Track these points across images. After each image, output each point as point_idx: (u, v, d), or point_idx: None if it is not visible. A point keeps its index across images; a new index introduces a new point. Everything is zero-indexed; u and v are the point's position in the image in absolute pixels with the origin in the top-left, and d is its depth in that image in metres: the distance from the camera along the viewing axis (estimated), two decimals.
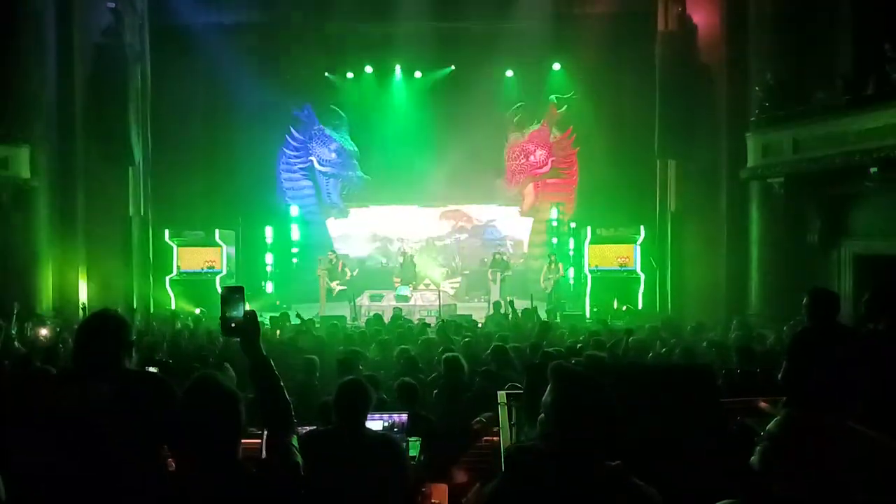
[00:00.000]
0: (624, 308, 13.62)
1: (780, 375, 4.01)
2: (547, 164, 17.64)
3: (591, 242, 14.91)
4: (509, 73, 17.07)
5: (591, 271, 14.75)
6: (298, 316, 10.81)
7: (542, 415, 2.04)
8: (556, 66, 16.88)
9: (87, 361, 2.59)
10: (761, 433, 1.85)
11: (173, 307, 13.99)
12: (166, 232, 14.86)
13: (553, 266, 14.79)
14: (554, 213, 16.63)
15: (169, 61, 14.82)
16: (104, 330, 2.64)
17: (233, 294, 2.36)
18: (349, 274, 15.47)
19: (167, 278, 14.73)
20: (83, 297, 12.92)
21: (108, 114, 13.47)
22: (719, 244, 13.20)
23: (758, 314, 11.45)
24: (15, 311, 8.88)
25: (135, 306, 13.37)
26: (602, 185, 15.67)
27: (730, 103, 12.87)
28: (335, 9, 14.84)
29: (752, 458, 1.77)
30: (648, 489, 1.94)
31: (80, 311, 11.75)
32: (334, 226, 18.51)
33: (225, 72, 15.32)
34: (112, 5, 13.56)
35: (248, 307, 2.40)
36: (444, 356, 6.45)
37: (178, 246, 14.96)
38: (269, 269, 16.17)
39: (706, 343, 7.93)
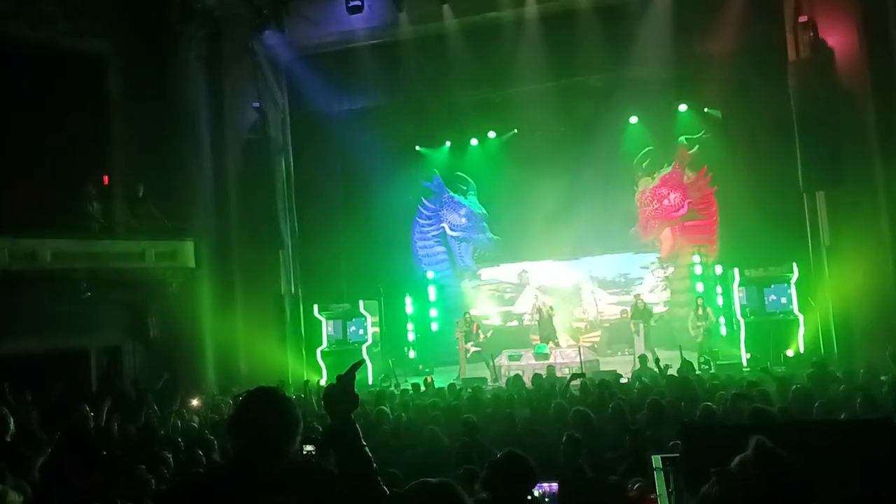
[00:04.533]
0: (789, 353, 12.64)
1: None
2: (683, 206, 17.06)
3: (739, 284, 14.08)
4: (633, 119, 16.85)
5: (743, 315, 13.87)
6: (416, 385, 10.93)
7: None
8: (683, 108, 16.46)
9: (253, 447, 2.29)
10: None
11: (324, 380, 14.65)
12: (315, 307, 15.73)
13: (701, 312, 14.08)
14: (696, 258, 15.93)
15: (309, 149, 16.04)
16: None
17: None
18: (482, 335, 15.58)
19: (318, 350, 15.49)
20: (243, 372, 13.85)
21: (258, 203, 14.68)
22: (886, 279, 12.04)
23: None
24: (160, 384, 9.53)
25: (290, 381, 14.13)
26: (746, 224, 14.82)
27: (880, 127, 11.92)
28: (456, 83, 15.47)
29: None
30: None
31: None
32: (468, 286, 18.84)
33: (358, 153, 16.34)
34: (257, 104, 14.94)
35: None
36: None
37: (327, 319, 15.77)
38: (410, 336, 16.67)
39: (885, 389, 7.20)
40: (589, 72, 15.42)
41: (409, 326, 16.84)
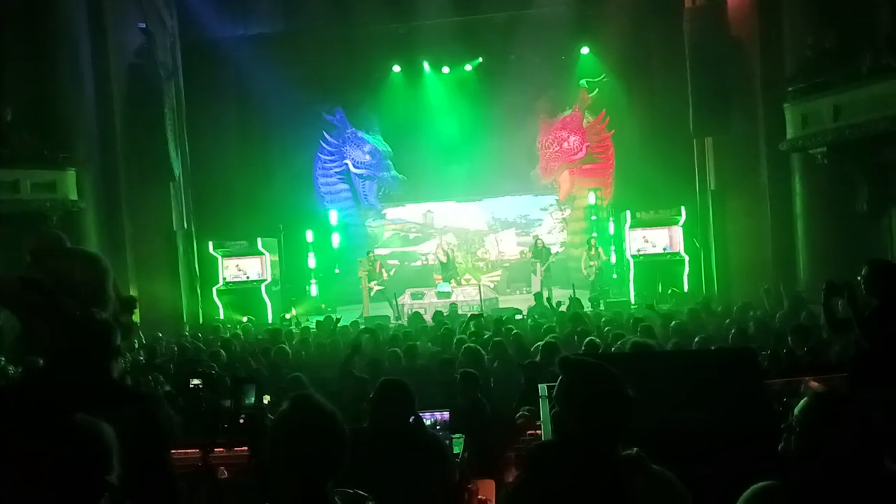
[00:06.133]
0: (669, 292, 13.41)
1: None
2: (581, 149, 17.45)
3: (631, 226, 14.71)
4: (536, 60, 16.91)
5: (633, 256, 14.54)
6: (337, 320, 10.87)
7: (556, 408, 2.03)
8: (585, 51, 16.65)
9: None
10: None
11: (221, 317, 14.31)
12: (210, 244, 15.18)
13: (594, 252, 14.63)
14: (592, 199, 16.44)
15: (201, 76, 15.14)
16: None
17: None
18: (385, 274, 15.60)
19: (213, 289, 15.04)
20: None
21: (146, 132, 13.82)
22: (763, 220, 12.88)
23: (807, 289, 11.14)
24: None
25: (184, 319, 13.71)
26: (639, 167, 15.40)
27: (764, 75, 12.53)
28: (358, 11, 14.95)
29: (780, 444, 1.74)
30: (666, 473, 1.91)
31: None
32: (373, 226, 18.71)
33: (255, 83, 15.62)
34: (143, 26, 13.89)
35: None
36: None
37: (223, 257, 15.27)
38: (312, 267, 16.37)
39: (752, 323, 7.75)
40: (493, 8, 15.29)
41: (311, 260, 16.49)
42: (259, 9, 14.99)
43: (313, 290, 16.37)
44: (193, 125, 15.05)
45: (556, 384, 2.07)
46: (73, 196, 12.14)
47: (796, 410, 1.79)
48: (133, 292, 13.39)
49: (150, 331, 10.63)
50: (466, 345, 6.96)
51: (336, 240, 17.18)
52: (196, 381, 4.53)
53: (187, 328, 12.77)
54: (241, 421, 3.76)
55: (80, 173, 12.37)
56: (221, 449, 4.04)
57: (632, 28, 14.86)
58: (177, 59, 14.87)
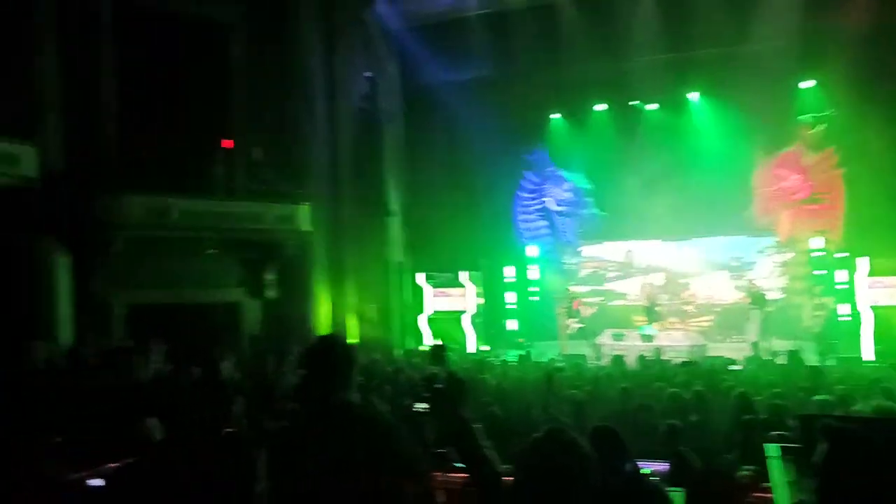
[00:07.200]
0: None
1: None
2: (804, 189, 16.08)
3: (869, 274, 13.19)
4: (751, 96, 15.89)
5: (873, 308, 12.98)
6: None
7: (819, 479, 1.91)
8: (807, 84, 15.37)
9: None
10: None
11: (427, 344, 15.03)
12: (418, 276, 16.09)
13: (820, 301, 13.31)
14: (817, 243, 15.01)
15: (417, 118, 16.26)
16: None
17: (437, 352, 2.38)
18: (584, 312, 15.41)
19: (420, 317, 15.87)
20: (352, 334, 14.39)
21: (367, 171, 15.09)
22: None
23: None
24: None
25: (394, 344, 14.60)
26: (876, 209, 13.79)
27: None
28: (567, 54, 15.17)
29: None
30: None
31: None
32: (570, 264, 18.63)
33: (465, 123, 16.41)
34: (369, 74, 15.26)
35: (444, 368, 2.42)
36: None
37: (432, 287, 16.09)
38: (510, 306, 16.70)
39: None
40: (706, 45, 14.73)
41: (510, 297, 16.86)
42: (472, 55, 15.77)
43: (512, 324, 16.67)
44: (409, 164, 16.19)
45: (818, 452, 1.97)
46: (307, 227, 13.51)
47: None
48: (352, 317, 14.54)
49: (366, 354, 11.37)
50: (671, 390, 6.71)
51: (534, 272, 17.39)
52: (420, 406, 4.78)
53: (398, 353, 13.57)
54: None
55: (311, 207, 13.77)
56: (438, 473, 4.19)
57: (866, 59, 13.53)
58: (397, 103, 16.12)
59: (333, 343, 2.62)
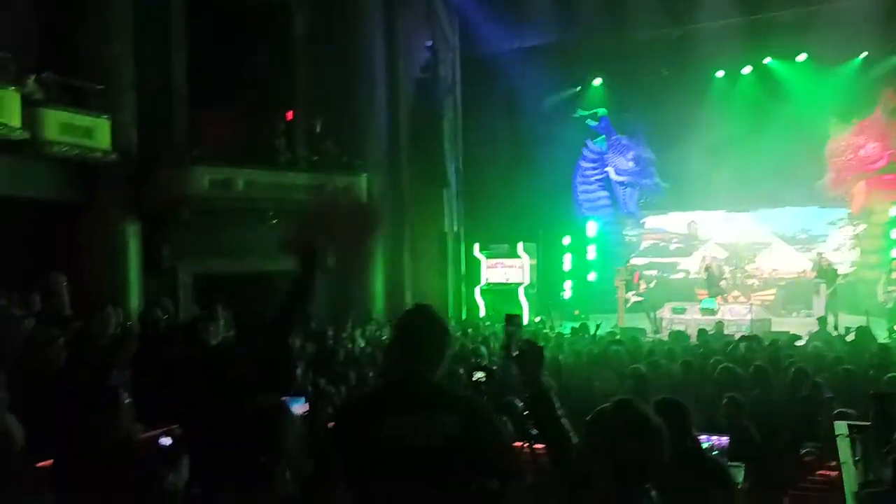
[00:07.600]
0: None
1: None
2: (883, 157, 15.32)
3: None
4: (827, 60, 15.10)
5: None
6: (597, 327, 10.93)
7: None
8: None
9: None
10: None
11: (482, 315, 15.10)
12: (475, 246, 16.09)
13: (895, 276, 12.76)
14: (894, 214, 14.32)
15: (477, 88, 16.12)
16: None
17: (511, 322, 2.33)
18: (644, 286, 15.18)
19: (476, 289, 15.91)
20: (409, 305, 14.58)
21: (426, 141, 15.07)
22: None
23: None
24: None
25: (450, 314, 14.68)
26: None
27: None
28: (631, 18, 14.74)
29: None
30: None
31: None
32: (631, 235, 18.33)
33: (525, 93, 16.23)
34: (429, 43, 15.17)
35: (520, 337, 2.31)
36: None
37: (487, 258, 16.09)
38: (567, 282, 16.58)
39: None
40: (780, 6, 14.07)
41: (567, 259, 16.76)
42: (534, 21, 15.48)
43: (567, 293, 16.56)
44: (468, 135, 16.11)
45: None
46: (365, 199, 13.63)
47: None
48: (408, 288, 14.68)
49: None
50: (723, 365, 6.58)
51: (592, 252, 17.23)
52: (479, 375, 4.79)
53: (453, 322, 13.66)
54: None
55: (370, 178, 13.88)
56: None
57: None
58: (456, 73, 15.99)
59: (430, 317, 2.45)
